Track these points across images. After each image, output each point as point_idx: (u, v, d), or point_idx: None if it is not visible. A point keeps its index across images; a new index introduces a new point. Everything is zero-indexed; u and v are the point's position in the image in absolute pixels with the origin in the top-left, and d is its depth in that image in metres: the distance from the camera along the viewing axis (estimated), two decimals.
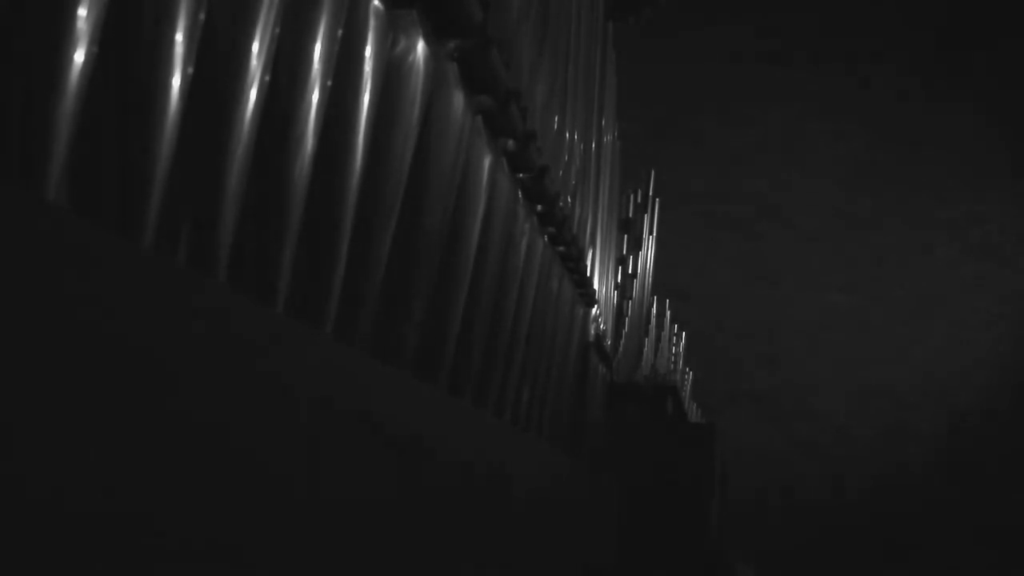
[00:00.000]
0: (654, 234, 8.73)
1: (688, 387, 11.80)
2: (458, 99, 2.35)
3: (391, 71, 2.02)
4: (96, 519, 1.13)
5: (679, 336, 10.97)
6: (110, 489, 1.15)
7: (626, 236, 7.89)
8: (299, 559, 1.61)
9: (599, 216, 5.42)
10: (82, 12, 1.20)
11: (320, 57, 1.73)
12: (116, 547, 1.16)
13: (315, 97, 1.73)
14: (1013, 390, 14.22)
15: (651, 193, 8.73)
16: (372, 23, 1.90)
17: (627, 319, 7.38)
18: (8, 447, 0.99)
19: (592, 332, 5.27)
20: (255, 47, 1.56)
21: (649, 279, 8.62)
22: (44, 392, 1.04)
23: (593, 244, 5.14)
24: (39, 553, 1.05)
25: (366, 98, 1.90)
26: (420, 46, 2.09)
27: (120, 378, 1.15)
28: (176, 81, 1.39)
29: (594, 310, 5.26)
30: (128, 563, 1.18)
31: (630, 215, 8.26)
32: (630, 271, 7.64)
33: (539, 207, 3.66)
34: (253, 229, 1.66)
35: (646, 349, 8.25)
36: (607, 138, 5.91)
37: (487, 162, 2.65)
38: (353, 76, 1.87)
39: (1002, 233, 14.52)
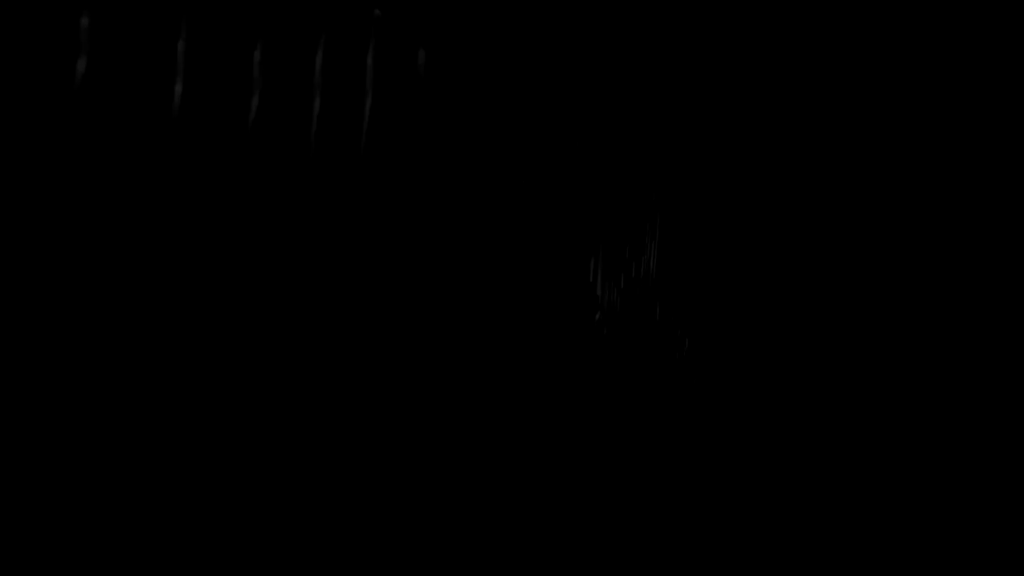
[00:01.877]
0: (657, 239, 8.71)
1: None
2: None
3: (392, 79, 2.02)
4: None
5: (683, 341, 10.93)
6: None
7: (629, 241, 7.87)
8: None
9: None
10: (84, 22, 1.20)
11: (322, 65, 1.74)
12: None
13: (317, 104, 1.73)
14: None
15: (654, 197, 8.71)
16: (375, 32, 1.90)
17: (630, 323, 7.36)
18: None
19: (595, 337, 5.26)
20: (257, 55, 1.57)
21: (652, 283, 8.61)
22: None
23: (597, 249, 5.13)
24: None
25: (368, 105, 1.90)
26: (420, 55, 2.10)
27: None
28: (178, 88, 1.40)
29: (596, 316, 5.25)
30: None
31: (633, 220, 8.24)
32: (633, 275, 7.62)
33: None
34: (256, 234, 1.67)
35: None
36: None
37: None
38: (355, 84, 1.87)
39: None
